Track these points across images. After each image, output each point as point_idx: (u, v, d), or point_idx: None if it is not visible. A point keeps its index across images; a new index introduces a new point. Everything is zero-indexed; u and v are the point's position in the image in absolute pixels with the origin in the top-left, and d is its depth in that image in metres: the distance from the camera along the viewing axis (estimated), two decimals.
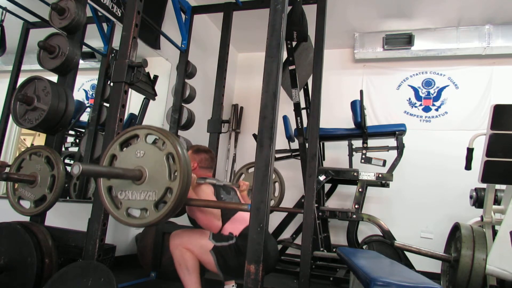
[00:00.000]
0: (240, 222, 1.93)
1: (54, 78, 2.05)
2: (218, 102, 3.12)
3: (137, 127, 1.44)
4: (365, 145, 3.72)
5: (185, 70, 3.20)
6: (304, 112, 3.56)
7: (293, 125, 3.82)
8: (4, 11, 2.60)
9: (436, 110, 4.46)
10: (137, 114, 3.75)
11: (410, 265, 3.16)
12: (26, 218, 1.98)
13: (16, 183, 1.99)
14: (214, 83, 3.17)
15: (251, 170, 2.90)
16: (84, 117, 3.44)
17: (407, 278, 1.47)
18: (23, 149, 2.48)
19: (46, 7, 2.29)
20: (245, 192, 2.30)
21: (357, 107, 3.72)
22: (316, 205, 3.35)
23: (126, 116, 3.28)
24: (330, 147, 4.36)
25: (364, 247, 3.37)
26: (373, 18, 4.25)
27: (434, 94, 4.50)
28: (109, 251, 1.78)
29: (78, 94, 3.47)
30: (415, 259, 3.19)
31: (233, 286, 2.13)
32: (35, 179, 1.93)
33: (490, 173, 2.58)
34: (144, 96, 3.36)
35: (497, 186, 2.95)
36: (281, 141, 3.90)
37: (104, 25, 3.06)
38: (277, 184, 2.92)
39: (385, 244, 3.19)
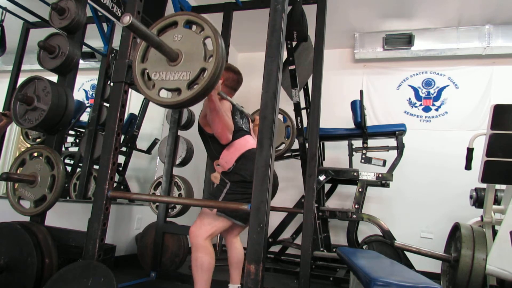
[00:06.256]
0: (239, 149, 2.00)
1: (54, 78, 2.05)
2: None
3: (177, 14, 1.49)
4: (365, 145, 3.72)
5: None
6: (304, 112, 3.56)
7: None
8: (4, 11, 2.60)
9: (436, 110, 4.46)
10: (137, 114, 3.76)
11: (410, 265, 3.16)
12: (26, 218, 1.98)
13: (16, 183, 1.99)
14: None
15: None
16: (84, 117, 3.44)
17: (407, 278, 1.47)
18: (23, 149, 2.48)
19: (46, 7, 2.29)
20: (257, 127, 2.33)
21: (357, 107, 3.72)
22: (316, 205, 3.36)
23: (126, 116, 3.29)
24: (330, 147, 4.36)
25: (364, 247, 3.37)
26: (373, 18, 4.25)
27: (434, 94, 4.50)
28: (109, 251, 1.78)
29: (78, 94, 3.47)
30: (415, 259, 3.19)
31: (238, 286, 2.13)
32: (35, 179, 1.93)
33: (490, 173, 2.58)
34: (144, 96, 3.36)
35: (497, 186, 2.95)
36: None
37: (104, 25, 3.06)
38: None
39: (385, 244, 3.19)
